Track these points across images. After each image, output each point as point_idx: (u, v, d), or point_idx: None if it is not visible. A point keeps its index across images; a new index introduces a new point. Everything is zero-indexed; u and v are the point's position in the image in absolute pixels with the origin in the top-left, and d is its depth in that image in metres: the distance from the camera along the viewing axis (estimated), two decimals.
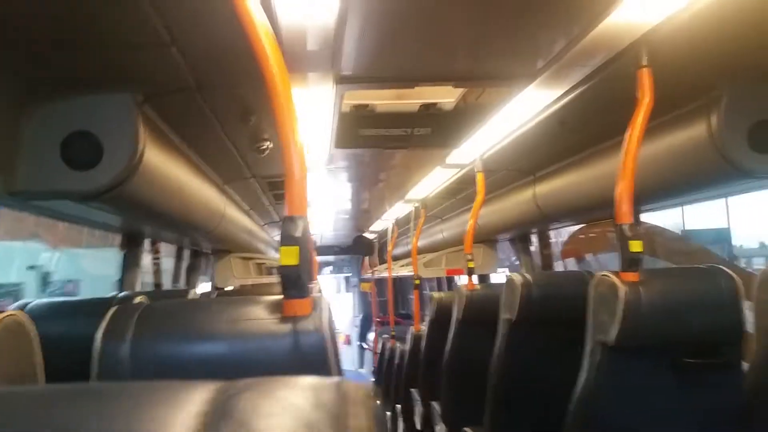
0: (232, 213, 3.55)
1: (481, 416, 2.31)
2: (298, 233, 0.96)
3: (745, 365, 1.56)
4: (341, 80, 1.74)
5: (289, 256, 0.95)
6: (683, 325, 1.44)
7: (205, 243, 4.13)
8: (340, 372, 0.97)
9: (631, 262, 1.45)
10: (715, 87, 1.79)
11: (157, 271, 4.10)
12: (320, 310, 0.94)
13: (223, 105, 2.02)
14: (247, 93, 1.88)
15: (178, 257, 4.16)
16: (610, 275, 1.47)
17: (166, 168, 2.08)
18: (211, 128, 2.24)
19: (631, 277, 1.44)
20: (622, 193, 1.50)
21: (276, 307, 0.95)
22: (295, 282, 0.94)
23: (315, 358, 0.90)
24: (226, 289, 4.60)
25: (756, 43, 1.56)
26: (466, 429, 2.59)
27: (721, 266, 1.52)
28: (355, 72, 1.71)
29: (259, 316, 0.93)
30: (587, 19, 1.42)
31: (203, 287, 4.85)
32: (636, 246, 1.45)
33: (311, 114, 2.03)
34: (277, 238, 6.38)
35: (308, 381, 0.42)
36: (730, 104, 1.76)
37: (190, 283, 4.23)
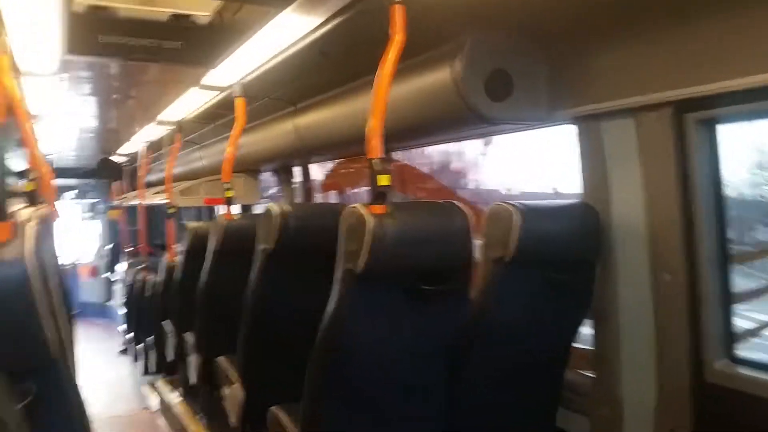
0: None
1: (235, 346, 2.28)
2: None
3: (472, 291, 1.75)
4: None
5: None
6: (421, 254, 1.54)
7: None
8: (54, 308, 0.84)
9: (378, 195, 1.49)
10: (460, 33, 1.89)
11: None
12: (24, 236, 0.78)
13: None
14: None
15: None
16: (360, 207, 1.49)
17: None
18: None
19: (379, 209, 1.48)
20: (373, 128, 1.52)
21: None
22: None
23: (13, 292, 0.75)
24: None
25: None
26: (218, 358, 2.55)
27: (455, 202, 1.65)
28: None
29: None
30: None
31: None
32: (384, 180, 1.49)
33: (32, 10, 1.68)
34: None
35: None
36: (472, 51, 1.88)
37: None
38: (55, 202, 3.18)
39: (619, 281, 1.76)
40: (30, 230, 0.82)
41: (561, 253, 1.75)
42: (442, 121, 2.18)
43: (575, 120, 1.88)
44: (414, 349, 1.66)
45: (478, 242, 1.67)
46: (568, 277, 1.75)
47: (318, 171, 4.77)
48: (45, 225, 1.00)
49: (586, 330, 1.90)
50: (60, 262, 2.88)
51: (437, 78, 2.00)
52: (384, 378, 1.65)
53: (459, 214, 1.59)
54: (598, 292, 1.82)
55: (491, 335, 1.76)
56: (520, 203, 1.70)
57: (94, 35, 2.06)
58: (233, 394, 2.33)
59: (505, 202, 1.70)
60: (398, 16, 1.50)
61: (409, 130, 2.38)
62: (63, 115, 4.16)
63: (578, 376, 1.96)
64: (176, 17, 2.11)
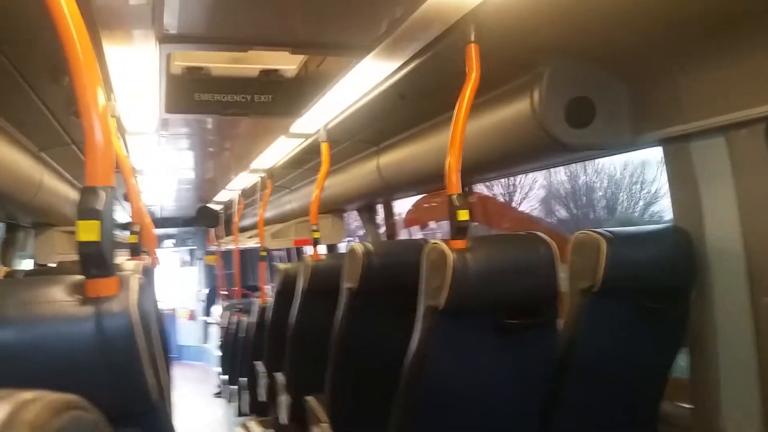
0: (51, 182, 3.20)
1: (323, 386, 2.33)
2: (99, 206, 0.86)
3: (560, 324, 1.72)
4: (165, 39, 1.60)
5: (89, 232, 0.85)
6: (505, 287, 1.53)
7: (22, 215, 3.70)
8: (155, 355, 0.90)
9: (458, 230, 1.51)
10: (537, 64, 1.90)
11: None
12: (128, 289, 0.85)
13: (30, 64, 1.79)
14: (56, 51, 1.68)
15: None
16: (440, 243, 1.52)
17: None
18: (19, 90, 1.99)
19: (459, 244, 1.50)
20: (451, 164, 1.55)
21: (77, 288, 0.84)
22: (97, 260, 0.85)
23: (120, 343, 0.81)
24: (49, 265, 4.18)
25: (574, 25, 1.67)
26: (308, 398, 2.60)
27: (538, 233, 1.64)
28: (180, 30, 1.58)
29: (56, 298, 0.82)
30: None
31: (26, 265, 4.37)
32: (463, 215, 1.51)
33: (135, 75, 1.86)
34: None
35: None
36: (550, 81, 1.89)
37: (5, 260, 3.79)
38: (156, 250, 3.40)
39: (716, 307, 1.67)
40: (134, 283, 0.87)
41: (652, 280, 1.69)
42: (523, 152, 2.18)
43: (662, 142, 1.83)
44: (502, 385, 1.63)
45: (563, 272, 1.64)
46: (661, 305, 1.68)
47: (402, 207, 4.85)
48: (147, 275, 1.08)
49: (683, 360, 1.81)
50: (160, 308, 3.06)
51: (516, 109, 2.02)
52: (473, 415, 1.63)
53: (543, 244, 1.58)
54: (694, 319, 1.73)
55: (583, 369, 1.71)
56: (607, 230, 1.66)
57: (190, 94, 2.23)
58: None
59: (591, 230, 1.68)
60: (473, 54, 1.54)
61: (489, 162, 2.40)
62: (163, 169, 4.45)
63: (676, 407, 1.86)
64: (265, 73, 2.24)
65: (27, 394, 0.37)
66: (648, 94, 1.83)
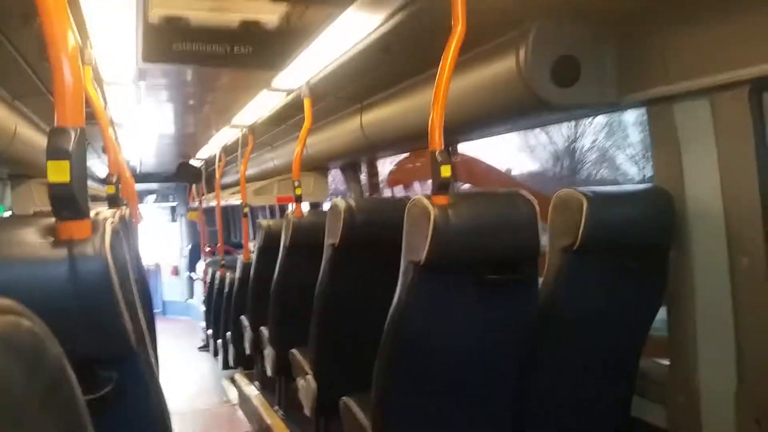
0: (26, 132, 3.13)
1: (308, 338, 2.35)
2: (67, 146, 0.83)
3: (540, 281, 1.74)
4: None
5: (58, 172, 0.82)
6: (486, 244, 1.54)
7: None
8: (133, 301, 0.89)
9: (441, 186, 1.50)
10: (524, 21, 1.87)
11: None
12: (102, 232, 0.84)
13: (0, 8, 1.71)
14: None
15: None
16: (422, 198, 1.51)
17: None
18: None
19: (441, 200, 1.49)
20: (435, 120, 1.53)
21: (49, 231, 0.83)
22: (68, 201, 0.82)
23: (94, 286, 0.80)
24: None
25: None
26: (293, 351, 2.64)
27: (520, 190, 1.64)
28: None
29: (27, 240, 0.81)
30: None
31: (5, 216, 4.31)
32: (446, 171, 1.50)
33: (111, 21, 1.80)
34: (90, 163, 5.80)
35: None
36: (537, 39, 1.86)
37: None
38: (138, 206, 3.36)
39: (695, 266, 1.70)
40: (108, 227, 0.85)
41: (633, 239, 1.71)
42: (508, 111, 2.16)
43: (646, 103, 1.83)
44: (483, 339, 1.66)
45: (544, 230, 1.65)
46: (640, 263, 1.70)
47: (385, 166, 4.82)
48: (124, 223, 1.06)
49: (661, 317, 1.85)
50: (144, 263, 3.04)
51: (502, 67, 1.99)
52: (453, 367, 1.66)
53: (525, 202, 1.58)
54: (673, 277, 1.76)
55: (562, 325, 1.74)
56: (588, 189, 1.66)
57: (168, 44, 2.17)
58: (307, 385, 2.40)
59: (572, 189, 1.68)
60: (459, 6, 1.51)
61: (474, 121, 2.38)
62: (143, 122, 4.37)
63: (653, 364, 1.90)
64: (246, 23, 2.18)
65: None
66: (634, 54, 1.81)
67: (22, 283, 0.78)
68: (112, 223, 0.86)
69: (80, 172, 0.85)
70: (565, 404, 1.81)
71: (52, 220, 0.84)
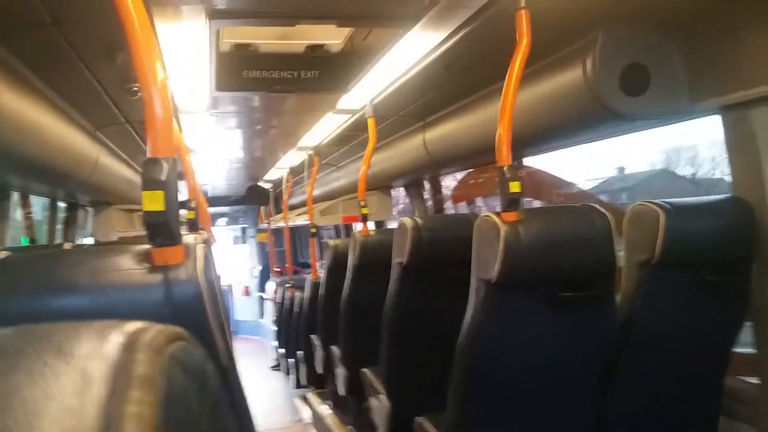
0: (107, 161, 3.31)
1: (379, 357, 2.36)
2: (162, 176, 0.87)
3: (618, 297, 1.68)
4: (215, 14, 1.62)
5: (153, 201, 0.87)
6: (559, 260, 1.50)
7: (80, 194, 3.84)
8: (221, 322, 0.93)
9: (510, 203, 1.49)
10: (590, 30, 1.84)
11: (29, 226, 3.79)
12: (194, 257, 0.87)
13: (85, 42, 1.83)
14: (110, 29, 1.71)
15: (52, 210, 3.86)
16: (492, 215, 1.50)
17: (23, 111, 1.88)
18: (75, 68, 2.04)
19: (511, 216, 1.48)
20: (502, 136, 1.52)
21: (144, 257, 0.87)
22: (163, 228, 0.87)
23: (190, 308, 0.84)
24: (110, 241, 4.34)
25: None
26: (364, 370, 2.65)
27: (594, 204, 1.60)
28: (229, 5, 1.60)
29: (126, 267, 0.85)
30: None
31: (86, 243, 4.56)
32: (515, 187, 1.48)
33: (186, 52, 1.88)
34: None
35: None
36: (604, 47, 1.82)
37: (67, 238, 3.96)
38: (211, 228, 3.49)
39: None
40: (199, 252, 0.89)
41: (713, 252, 1.63)
42: (575, 123, 2.12)
43: (721, 110, 1.75)
44: (559, 357, 1.61)
45: (620, 245, 1.60)
46: (722, 277, 1.62)
47: (447, 183, 4.80)
48: (209, 247, 1.10)
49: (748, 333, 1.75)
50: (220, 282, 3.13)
51: (568, 78, 1.96)
52: (529, 386, 1.62)
53: (598, 216, 1.54)
54: (758, 291, 1.66)
55: (642, 343, 1.67)
56: (664, 202, 1.60)
57: (239, 71, 2.26)
58: (380, 404, 2.40)
59: (648, 202, 1.62)
60: (524, 21, 1.50)
61: (540, 134, 2.34)
62: (214, 148, 4.54)
63: (740, 382, 1.80)
64: (312, 48, 2.24)
65: (136, 323, 0.39)
66: (706, 58, 1.74)
67: (122, 307, 0.82)
68: (202, 247, 0.89)
69: (173, 200, 0.89)
70: (647, 424, 1.73)
71: (147, 246, 0.88)
